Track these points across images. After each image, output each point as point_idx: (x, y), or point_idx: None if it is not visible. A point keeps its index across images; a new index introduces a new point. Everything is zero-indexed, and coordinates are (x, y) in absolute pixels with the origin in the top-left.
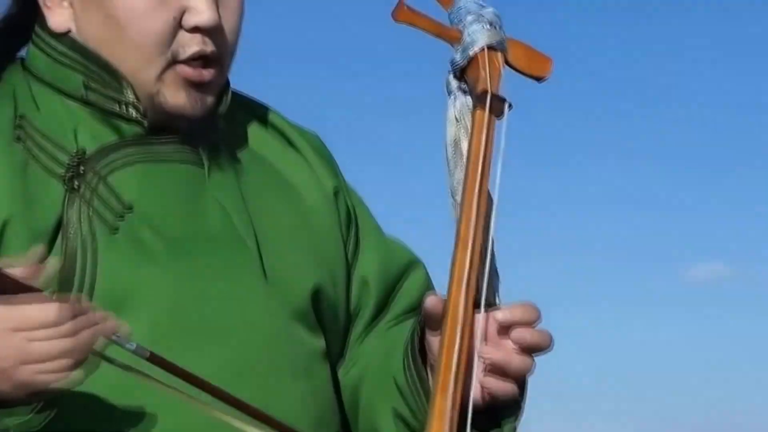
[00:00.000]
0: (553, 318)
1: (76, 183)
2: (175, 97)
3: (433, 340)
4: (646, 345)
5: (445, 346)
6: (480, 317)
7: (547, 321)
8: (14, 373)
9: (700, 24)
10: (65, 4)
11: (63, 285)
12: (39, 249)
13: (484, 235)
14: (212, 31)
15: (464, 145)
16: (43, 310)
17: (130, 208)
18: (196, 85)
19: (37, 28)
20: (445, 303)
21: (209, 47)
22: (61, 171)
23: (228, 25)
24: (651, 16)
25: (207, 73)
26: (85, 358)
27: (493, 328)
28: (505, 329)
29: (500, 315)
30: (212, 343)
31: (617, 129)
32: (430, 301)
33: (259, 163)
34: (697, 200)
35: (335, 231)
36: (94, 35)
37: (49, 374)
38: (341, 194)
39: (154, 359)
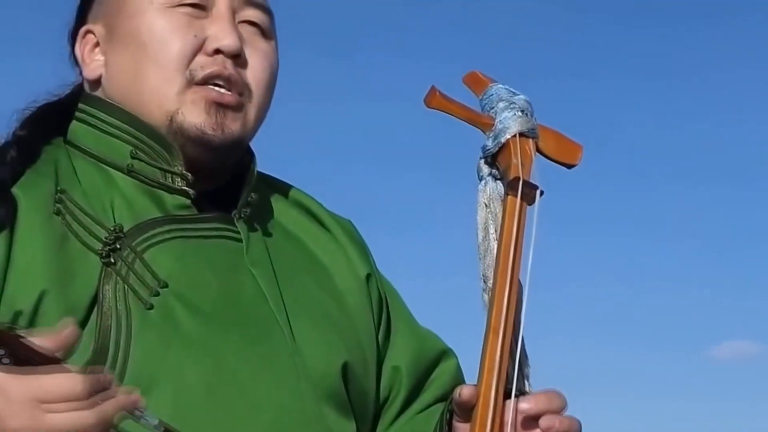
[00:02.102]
0: (577, 398)
1: (112, 258)
2: (195, 116)
3: (461, 428)
4: (671, 425)
5: None
6: (510, 406)
7: (570, 401)
8: None
9: (720, 107)
10: (98, 55)
11: (96, 360)
12: (68, 320)
13: (515, 323)
14: (237, 59)
15: (492, 230)
16: (65, 382)
17: (165, 285)
18: (217, 107)
19: (83, 105)
20: (476, 391)
21: (230, 70)
22: (98, 246)
23: (255, 66)
24: (678, 99)
25: (229, 95)
26: (106, 429)
27: (521, 417)
28: (533, 418)
29: (525, 404)
30: (242, 424)
31: (642, 211)
32: (466, 392)
33: (292, 243)
34: (721, 279)
35: (367, 315)
36: (119, 67)
37: None
38: (373, 280)
39: None
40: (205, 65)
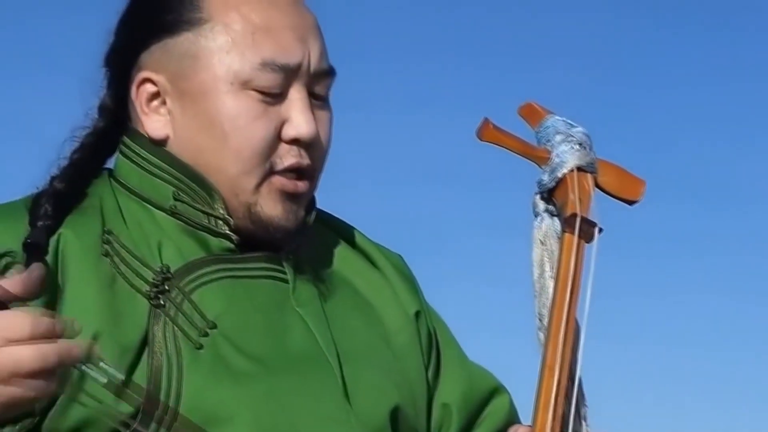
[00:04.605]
0: None
1: (161, 300)
2: (272, 209)
3: None
4: None
5: None
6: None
7: None
8: None
9: None
10: (162, 110)
11: (150, 400)
12: (37, 266)
13: (572, 362)
14: (309, 145)
15: (547, 268)
16: (18, 321)
17: (214, 325)
18: (290, 197)
19: (127, 139)
20: None
21: (305, 160)
22: (146, 288)
23: (321, 140)
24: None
25: (302, 185)
26: (52, 372)
27: None
28: None
29: None
30: None
31: (713, 252)
32: None
33: (341, 282)
34: None
35: (416, 353)
36: (193, 143)
37: (18, 386)
38: (423, 317)
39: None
40: (284, 157)
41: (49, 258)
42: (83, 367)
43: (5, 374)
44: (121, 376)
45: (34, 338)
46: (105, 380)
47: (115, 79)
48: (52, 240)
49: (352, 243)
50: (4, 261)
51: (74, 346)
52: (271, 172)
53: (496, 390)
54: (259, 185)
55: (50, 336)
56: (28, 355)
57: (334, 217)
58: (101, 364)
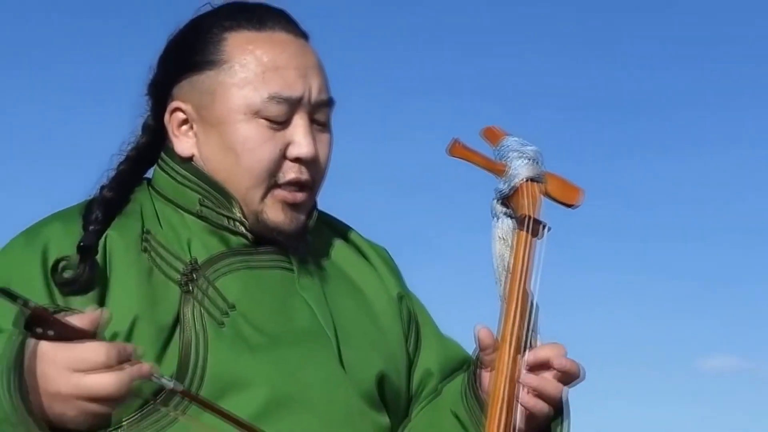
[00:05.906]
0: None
1: (190, 287)
2: (275, 216)
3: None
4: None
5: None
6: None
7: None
8: (73, 403)
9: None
10: (190, 134)
11: (181, 369)
12: (95, 308)
13: (522, 333)
14: (309, 162)
15: (507, 259)
16: (95, 352)
17: (233, 307)
18: (291, 206)
19: (164, 155)
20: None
21: (304, 175)
22: (177, 277)
23: (321, 158)
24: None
25: (300, 196)
26: (127, 391)
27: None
28: (540, 367)
29: (531, 356)
30: (302, 415)
31: (637, 231)
32: (482, 332)
33: (337, 271)
34: (712, 296)
35: (399, 330)
36: (213, 161)
37: (99, 404)
38: (404, 299)
39: (186, 394)
40: (286, 172)
41: (99, 256)
42: (154, 378)
43: (90, 398)
44: (181, 386)
45: (111, 362)
46: (172, 384)
47: (154, 105)
48: (101, 241)
49: (347, 239)
50: (61, 264)
51: (144, 366)
52: (274, 185)
53: (467, 359)
54: (263, 197)
55: (124, 358)
56: (109, 382)
57: (333, 217)
58: (163, 377)
